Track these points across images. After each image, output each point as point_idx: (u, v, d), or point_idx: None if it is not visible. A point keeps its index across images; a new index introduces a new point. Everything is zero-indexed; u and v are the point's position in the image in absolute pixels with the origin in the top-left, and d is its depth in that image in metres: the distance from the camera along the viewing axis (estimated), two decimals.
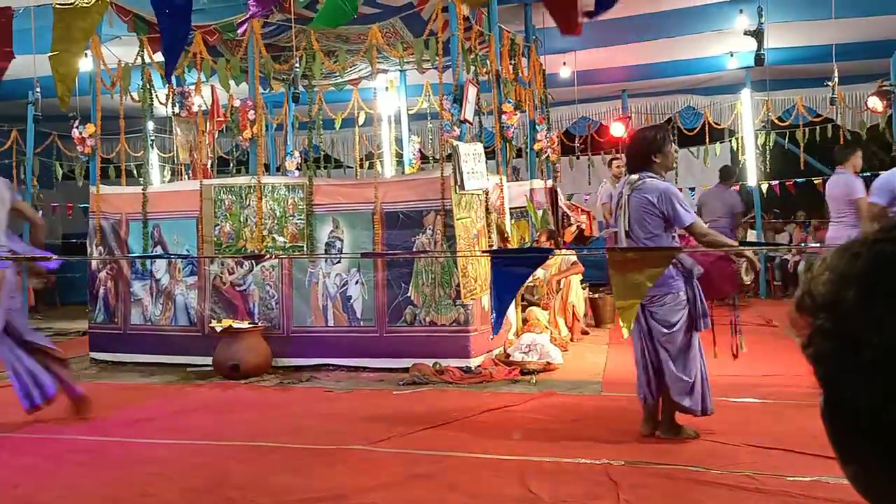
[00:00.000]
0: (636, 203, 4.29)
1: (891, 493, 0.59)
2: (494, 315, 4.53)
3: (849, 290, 0.59)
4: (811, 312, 0.62)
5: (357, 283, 6.81)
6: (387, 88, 10.65)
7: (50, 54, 2.99)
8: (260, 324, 6.85)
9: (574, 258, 8.08)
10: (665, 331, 4.27)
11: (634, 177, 4.35)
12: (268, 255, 6.76)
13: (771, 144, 12.28)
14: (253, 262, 6.89)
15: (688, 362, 4.27)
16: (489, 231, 6.97)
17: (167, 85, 8.03)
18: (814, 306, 0.62)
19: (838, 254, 0.62)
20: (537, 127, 8.82)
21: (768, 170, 12.30)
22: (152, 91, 7.94)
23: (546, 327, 7.20)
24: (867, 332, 0.57)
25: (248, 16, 3.93)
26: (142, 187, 7.58)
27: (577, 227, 9.44)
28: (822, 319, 0.61)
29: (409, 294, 6.63)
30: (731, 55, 10.75)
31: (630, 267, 3.31)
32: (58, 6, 2.93)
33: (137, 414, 5.46)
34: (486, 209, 7.03)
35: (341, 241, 6.89)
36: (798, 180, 11.93)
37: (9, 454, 4.62)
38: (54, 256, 5.12)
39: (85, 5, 3.01)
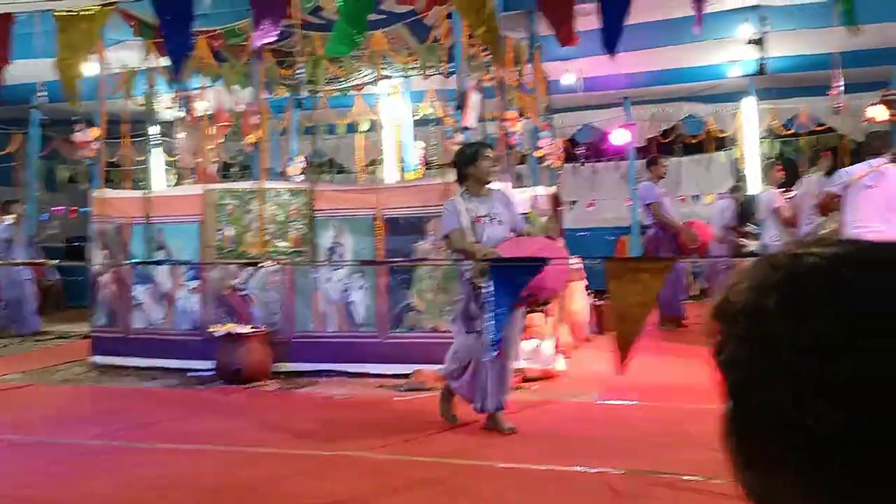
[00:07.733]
0: None
1: (792, 498, 0.64)
2: (494, 334, 4.49)
3: (768, 298, 0.64)
4: (728, 319, 0.67)
5: (359, 288, 6.81)
6: (390, 94, 10.67)
7: (56, 62, 3.01)
8: (262, 328, 6.85)
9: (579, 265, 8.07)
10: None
11: None
12: (269, 262, 6.75)
13: (775, 154, 12.26)
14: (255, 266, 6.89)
15: None
16: None
17: (172, 89, 8.08)
18: (732, 313, 0.67)
19: (757, 265, 0.68)
20: (540, 134, 8.82)
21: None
22: (156, 95, 7.98)
23: (549, 334, 7.18)
24: (783, 335, 0.63)
25: (259, 43, 3.92)
26: (145, 191, 7.59)
27: None
28: (741, 325, 0.66)
29: (410, 300, 6.63)
30: (734, 64, 10.74)
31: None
32: (59, 15, 2.94)
33: (140, 418, 5.47)
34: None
35: (343, 246, 6.90)
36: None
37: (19, 457, 4.63)
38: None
39: (88, 13, 3.02)
